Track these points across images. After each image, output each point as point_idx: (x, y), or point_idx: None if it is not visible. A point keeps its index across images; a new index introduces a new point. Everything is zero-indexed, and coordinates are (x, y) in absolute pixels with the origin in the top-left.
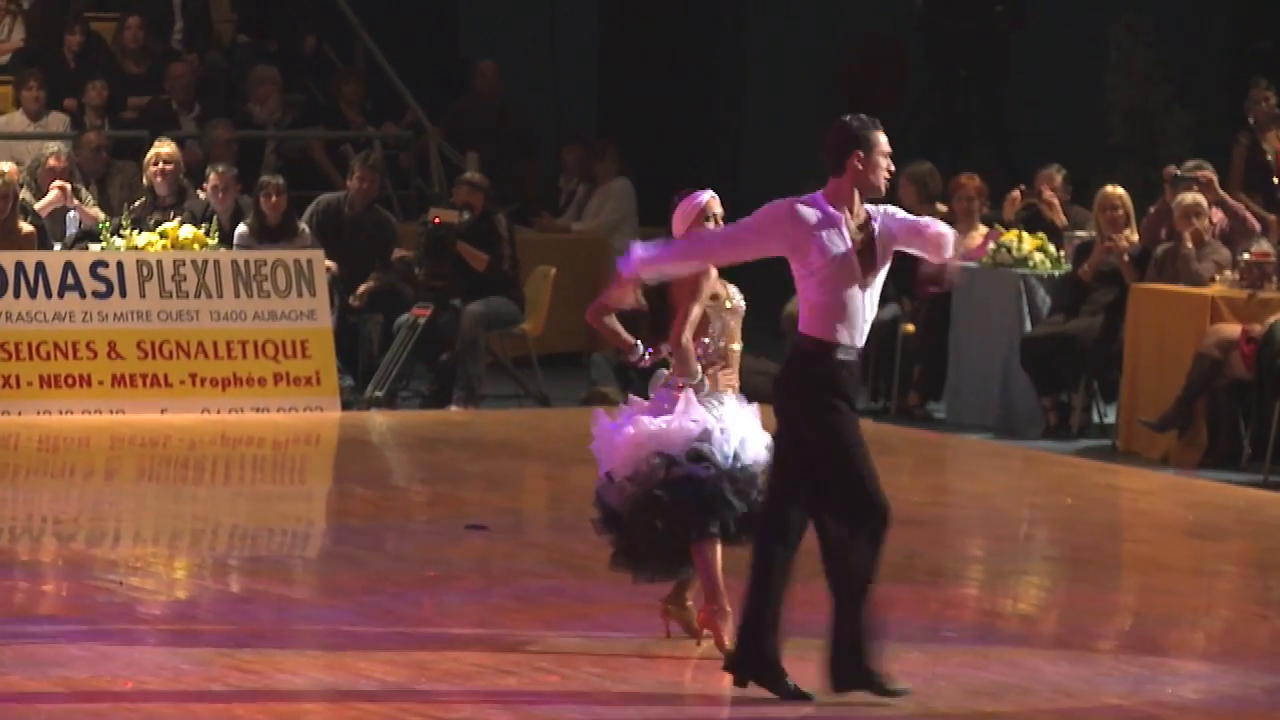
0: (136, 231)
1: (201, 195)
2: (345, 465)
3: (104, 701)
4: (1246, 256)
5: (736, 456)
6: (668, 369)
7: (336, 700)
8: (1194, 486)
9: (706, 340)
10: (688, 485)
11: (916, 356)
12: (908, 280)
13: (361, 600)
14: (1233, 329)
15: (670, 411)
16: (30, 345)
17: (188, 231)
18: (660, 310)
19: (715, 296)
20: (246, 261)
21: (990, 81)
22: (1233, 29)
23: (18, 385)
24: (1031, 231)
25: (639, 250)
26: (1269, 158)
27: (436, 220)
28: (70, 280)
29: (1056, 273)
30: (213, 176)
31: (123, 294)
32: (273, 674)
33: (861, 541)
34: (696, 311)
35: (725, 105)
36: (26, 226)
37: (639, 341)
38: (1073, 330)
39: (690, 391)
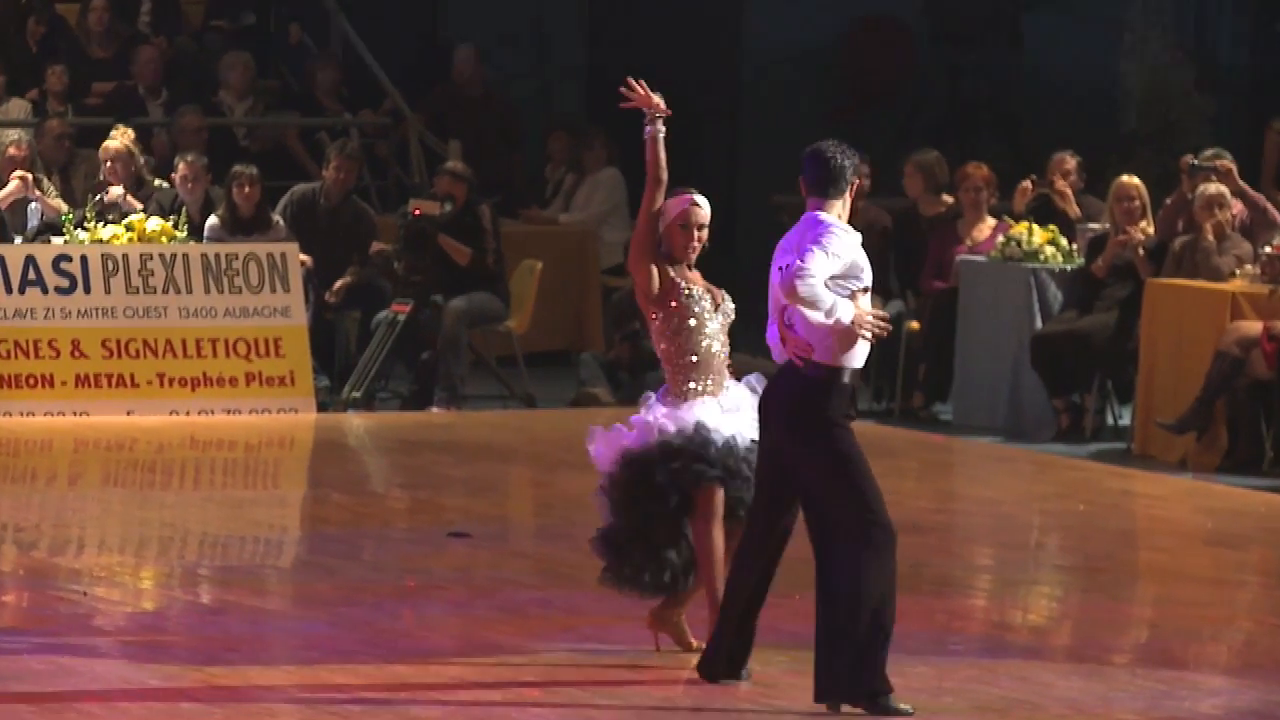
0: (101, 224)
1: (164, 185)
2: (321, 470)
3: (67, 718)
4: (1268, 250)
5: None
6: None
7: (311, 717)
8: (1213, 492)
9: (692, 351)
10: (683, 454)
11: (921, 355)
12: (913, 275)
13: (338, 611)
14: (1254, 326)
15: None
16: None
17: (155, 224)
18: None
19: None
20: (217, 255)
21: (1000, 66)
22: (1254, 11)
23: None
24: (1042, 223)
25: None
26: None
27: (417, 212)
28: (32, 275)
29: (1069, 267)
30: (181, 166)
31: (87, 290)
32: (245, 689)
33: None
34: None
35: (721, 90)
36: None
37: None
38: (1086, 328)
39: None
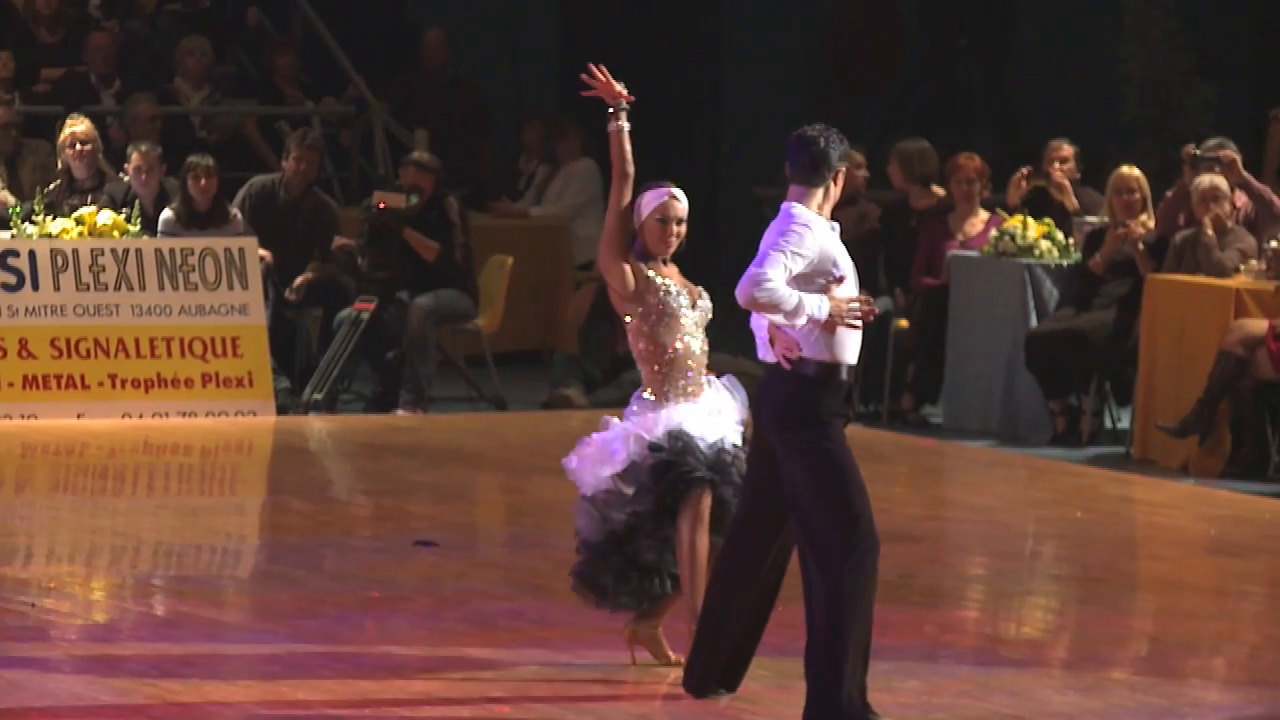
0: (50, 217)
1: (123, 177)
2: (281, 475)
3: None
4: (1274, 244)
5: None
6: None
7: None
8: (1216, 498)
9: (669, 349)
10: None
11: (911, 355)
12: (902, 272)
13: (298, 624)
14: (1259, 324)
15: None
16: None
17: (107, 217)
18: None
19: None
20: (172, 250)
21: (992, 51)
22: None
23: None
24: (1037, 217)
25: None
26: None
27: (381, 205)
28: None
29: (1065, 262)
30: (135, 156)
31: (35, 286)
32: (201, 705)
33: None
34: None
35: (701, 77)
36: None
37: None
38: (1083, 326)
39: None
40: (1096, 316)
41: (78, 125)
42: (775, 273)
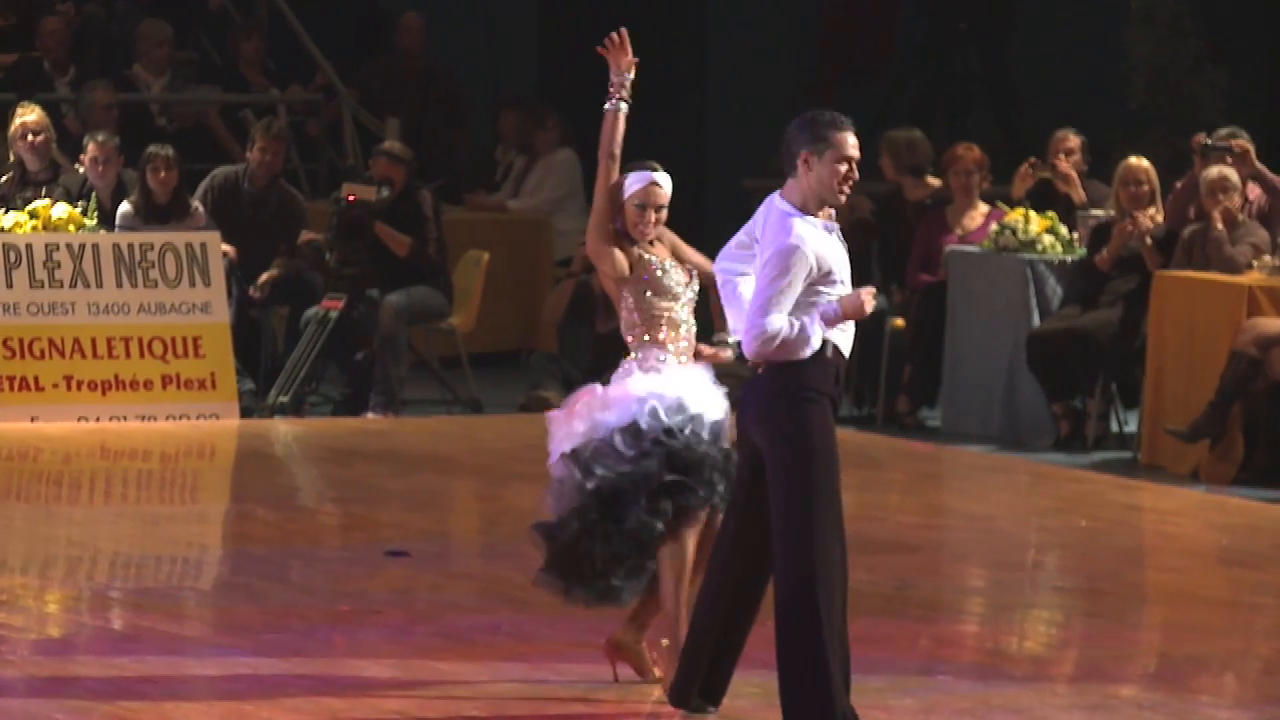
0: (2, 211)
1: (78, 169)
2: (245, 482)
3: None
4: None
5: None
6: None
7: None
8: (1228, 506)
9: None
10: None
11: (907, 355)
12: (897, 267)
13: (263, 639)
14: (1272, 323)
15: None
16: None
17: (62, 211)
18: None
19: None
20: (130, 246)
21: (993, 36)
22: None
23: None
24: (1041, 210)
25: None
26: None
27: (351, 198)
28: None
29: (1069, 258)
30: (91, 146)
31: None
32: None
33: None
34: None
35: (686, 64)
36: None
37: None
38: (1088, 325)
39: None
40: (1102, 315)
41: (29, 114)
42: (775, 318)
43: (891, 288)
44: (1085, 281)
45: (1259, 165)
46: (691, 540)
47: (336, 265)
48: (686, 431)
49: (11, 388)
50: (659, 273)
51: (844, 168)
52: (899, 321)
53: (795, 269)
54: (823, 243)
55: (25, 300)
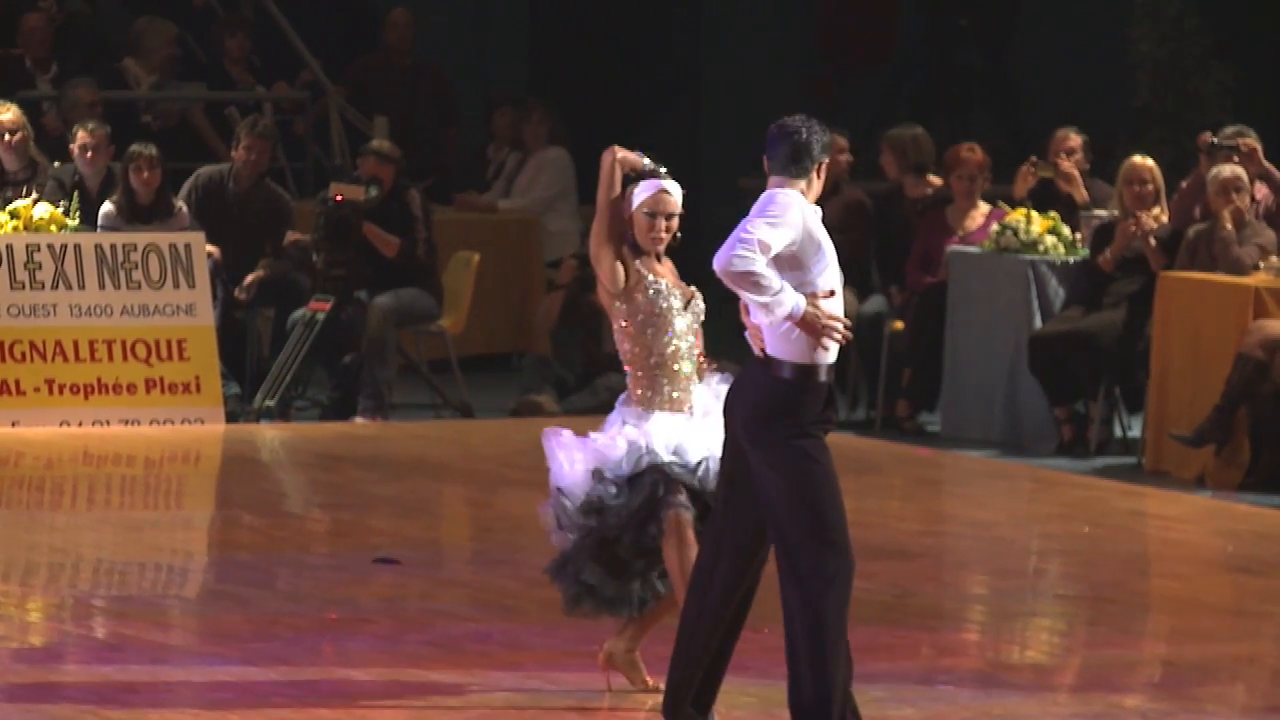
0: None
1: (57, 165)
2: (230, 488)
3: None
4: None
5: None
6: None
7: None
8: (1234, 512)
9: (657, 352)
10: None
11: (906, 358)
12: (896, 268)
13: (250, 647)
14: (1279, 326)
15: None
16: None
17: (43, 211)
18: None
19: (669, 292)
20: (113, 246)
21: (995, 32)
22: None
23: None
24: (1043, 209)
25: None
26: None
27: (338, 198)
28: None
29: (1071, 259)
30: (81, 134)
31: None
32: None
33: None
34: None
35: (681, 61)
36: None
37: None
38: (1091, 327)
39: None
40: (1105, 317)
41: (5, 113)
42: (758, 241)
43: (891, 290)
44: (1088, 283)
45: (1266, 164)
46: (685, 548)
47: (324, 266)
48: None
49: None
50: (653, 293)
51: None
52: (898, 324)
53: (788, 215)
54: (813, 217)
55: (5, 302)
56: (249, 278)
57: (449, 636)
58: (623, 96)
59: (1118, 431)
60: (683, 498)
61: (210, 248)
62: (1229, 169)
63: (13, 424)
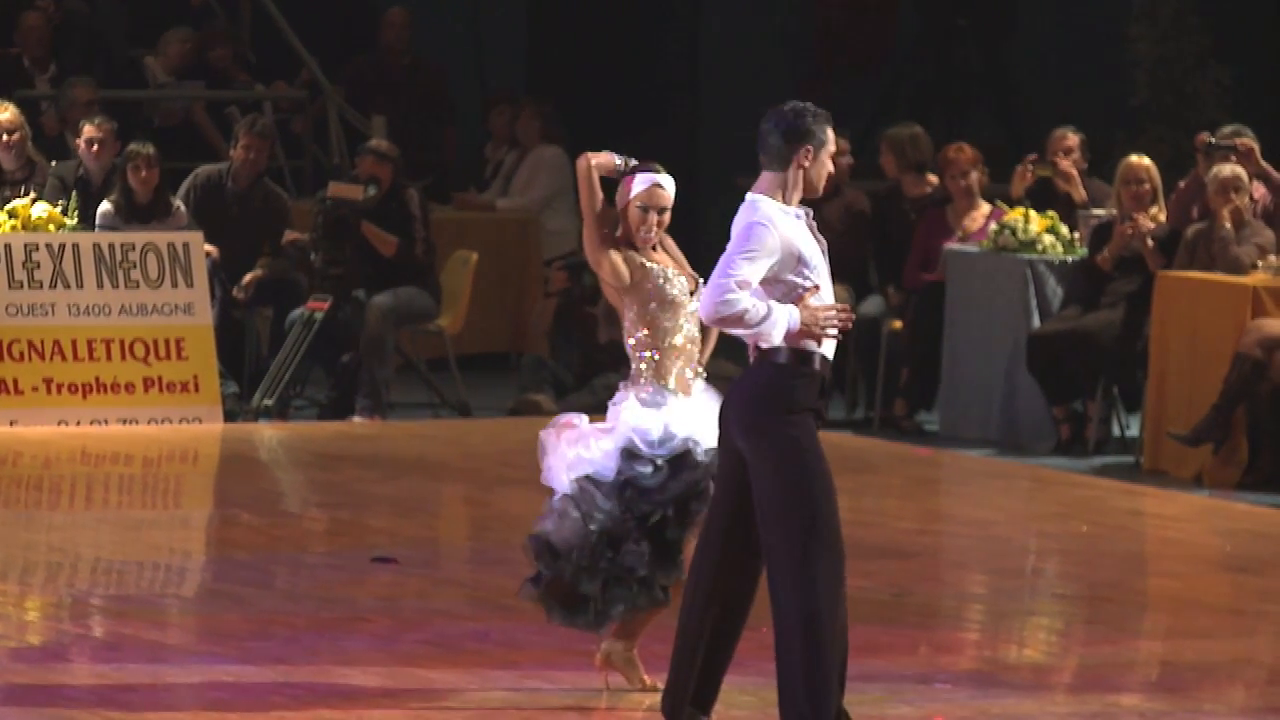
0: None
1: (53, 164)
2: (229, 487)
3: None
4: None
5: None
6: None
7: None
8: (1232, 511)
9: (666, 338)
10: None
11: (904, 358)
12: (895, 268)
13: (248, 646)
14: (1277, 325)
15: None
16: None
17: (41, 210)
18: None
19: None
20: (111, 246)
21: (992, 31)
22: None
23: None
24: (1041, 209)
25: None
26: None
27: (336, 196)
28: None
29: (1070, 258)
30: (88, 128)
31: None
32: None
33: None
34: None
35: (678, 58)
36: None
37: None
38: (1089, 326)
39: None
40: (1103, 316)
41: (3, 113)
42: (736, 282)
43: (889, 289)
44: (1086, 282)
45: (1264, 164)
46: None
47: (322, 265)
48: (666, 464)
49: None
50: (661, 281)
51: (831, 163)
52: (896, 324)
53: (765, 240)
54: (792, 227)
55: (4, 301)
56: (247, 277)
57: (447, 636)
58: (620, 95)
59: (1116, 431)
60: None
61: (208, 247)
62: (1229, 168)
63: (11, 423)
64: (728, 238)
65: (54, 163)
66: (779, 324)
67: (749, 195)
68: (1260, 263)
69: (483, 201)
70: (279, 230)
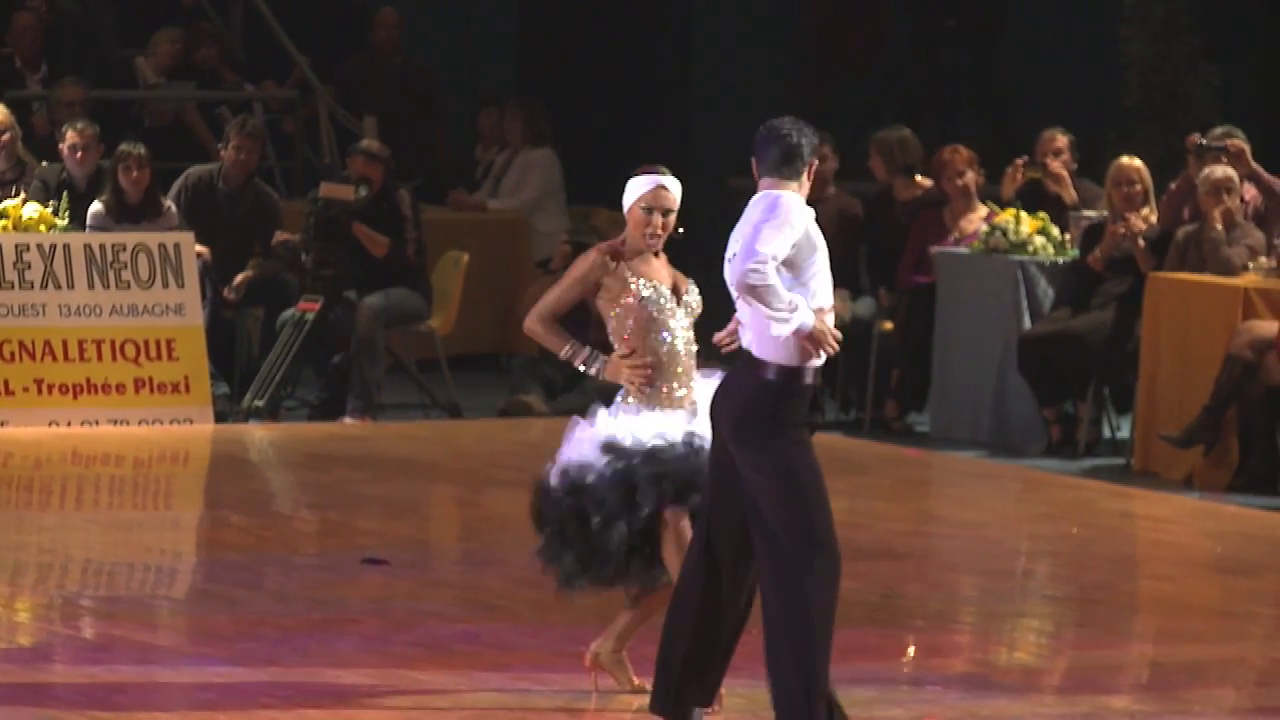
0: None
1: (44, 164)
2: (219, 488)
3: None
4: None
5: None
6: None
7: None
8: (1222, 513)
9: (652, 352)
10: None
11: (895, 359)
12: (886, 270)
13: (238, 648)
14: (1268, 326)
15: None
16: None
17: (32, 210)
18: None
19: (673, 290)
20: (102, 246)
21: (983, 33)
22: None
23: None
24: (1032, 210)
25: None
26: None
27: (327, 197)
28: None
29: (1060, 259)
30: (70, 134)
31: None
32: None
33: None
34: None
35: (669, 61)
36: None
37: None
38: (1080, 328)
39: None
40: (1094, 317)
41: None
42: (769, 255)
43: (880, 290)
44: (1077, 283)
45: (1255, 165)
46: (678, 549)
47: (313, 266)
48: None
49: None
50: (644, 299)
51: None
52: (887, 325)
53: (791, 216)
54: (811, 220)
55: None
56: (238, 277)
57: (437, 637)
58: (611, 96)
59: (1106, 432)
60: (689, 500)
61: (199, 247)
62: (1221, 170)
63: (1, 424)
64: (719, 239)
65: (43, 163)
66: (796, 320)
67: (764, 192)
68: (1251, 264)
69: (473, 202)
70: (270, 231)
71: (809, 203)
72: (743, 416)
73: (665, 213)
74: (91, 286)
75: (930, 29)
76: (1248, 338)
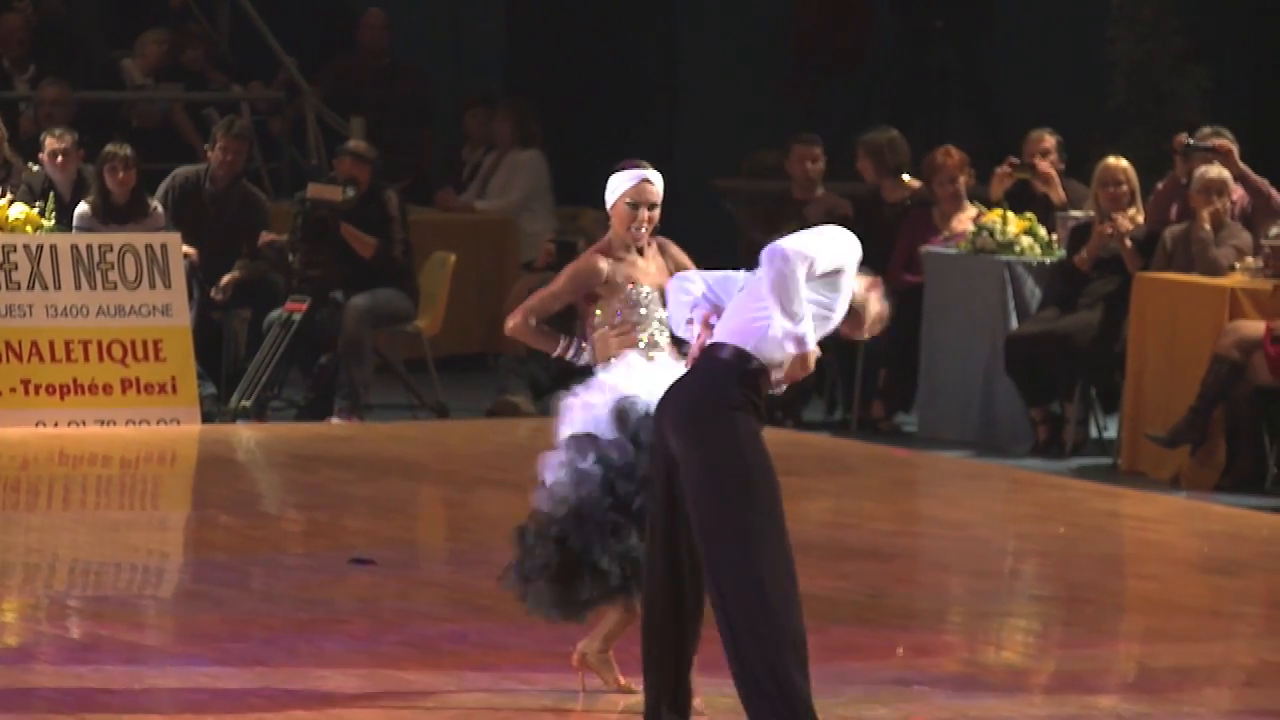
0: None
1: (33, 167)
2: (206, 488)
3: None
4: (1273, 234)
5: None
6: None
7: None
8: (1210, 513)
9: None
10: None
11: (882, 359)
12: (875, 270)
13: (225, 648)
14: (1255, 326)
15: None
16: None
17: (18, 211)
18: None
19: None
20: (89, 247)
21: (970, 34)
22: None
23: None
24: (1019, 210)
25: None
26: None
27: (314, 198)
28: None
29: (1048, 260)
30: (49, 141)
31: None
32: None
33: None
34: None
35: (656, 62)
36: None
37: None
38: (1067, 328)
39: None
40: (1081, 318)
41: None
42: (814, 254)
43: None
44: (1064, 283)
45: (1242, 165)
46: None
47: (300, 267)
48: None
49: None
50: (630, 301)
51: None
52: None
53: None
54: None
55: None
56: (225, 278)
57: (424, 637)
58: (598, 97)
59: (1093, 432)
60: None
61: (186, 248)
62: (1215, 170)
63: None
64: (706, 245)
65: (33, 165)
66: (804, 329)
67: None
68: (1238, 265)
69: (461, 203)
70: (256, 231)
71: (798, 203)
72: (691, 398)
73: (650, 207)
74: (78, 287)
75: (918, 30)
76: (1234, 338)
